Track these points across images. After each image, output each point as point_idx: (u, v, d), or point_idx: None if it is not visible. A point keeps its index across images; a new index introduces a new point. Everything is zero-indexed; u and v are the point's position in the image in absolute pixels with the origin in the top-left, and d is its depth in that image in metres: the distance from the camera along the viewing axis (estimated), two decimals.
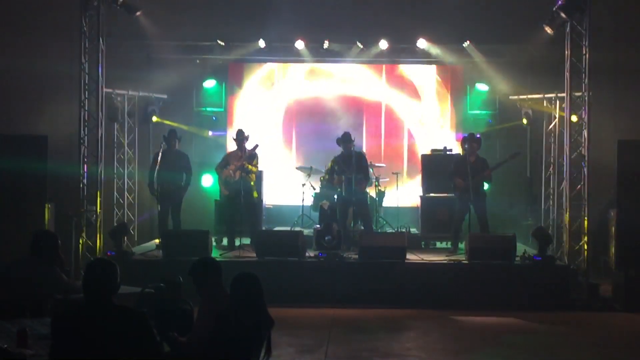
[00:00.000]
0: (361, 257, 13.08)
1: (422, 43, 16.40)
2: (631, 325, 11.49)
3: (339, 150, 14.58)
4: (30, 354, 5.57)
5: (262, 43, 16.51)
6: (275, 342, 6.29)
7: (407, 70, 17.79)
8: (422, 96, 17.84)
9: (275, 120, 17.92)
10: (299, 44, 16.57)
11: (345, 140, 14.36)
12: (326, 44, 16.62)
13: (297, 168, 16.73)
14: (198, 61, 17.28)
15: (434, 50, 16.66)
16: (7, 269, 7.78)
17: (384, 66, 17.77)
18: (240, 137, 14.32)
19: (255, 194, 14.58)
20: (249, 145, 14.36)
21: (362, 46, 16.58)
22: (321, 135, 17.48)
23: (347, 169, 14.14)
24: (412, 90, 17.85)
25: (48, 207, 13.05)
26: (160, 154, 14.10)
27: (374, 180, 15.32)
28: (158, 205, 14.15)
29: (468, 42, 16.24)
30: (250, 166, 14.20)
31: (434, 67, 17.76)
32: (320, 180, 15.72)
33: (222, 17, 16.41)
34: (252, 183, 14.33)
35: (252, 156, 14.26)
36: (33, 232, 7.94)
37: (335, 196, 14.59)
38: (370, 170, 15.01)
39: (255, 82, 18.00)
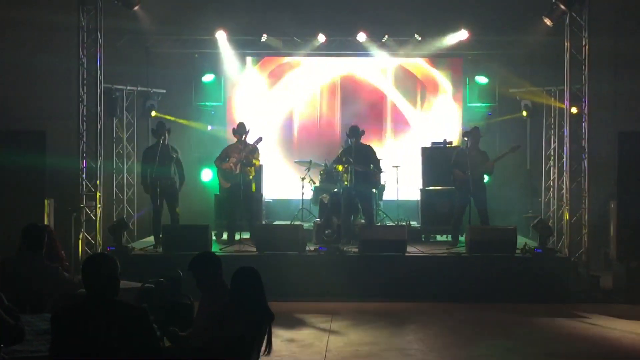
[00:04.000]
0: (361, 251, 13.07)
1: (418, 36, 16.36)
2: (632, 317, 11.46)
3: (336, 143, 14.56)
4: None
5: (263, 37, 16.48)
6: (276, 335, 6.28)
7: (406, 63, 17.78)
8: (421, 89, 17.83)
9: (274, 114, 17.91)
10: (296, 38, 16.57)
11: (353, 133, 14.27)
12: (322, 38, 16.58)
13: (296, 162, 16.71)
14: (196, 55, 17.24)
15: (431, 42, 16.64)
16: (5, 264, 7.76)
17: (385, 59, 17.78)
18: (241, 130, 14.26)
19: (253, 188, 14.55)
20: (249, 139, 14.32)
21: (363, 39, 16.54)
22: (321, 129, 17.58)
23: (353, 162, 14.05)
24: (411, 83, 17.85)
25: (47, 202, 13.03)
26: (150, 148, 14.07)
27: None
28: (157, 202, 13.97)
29: (465, 32, 16.15)
30: (253, 159, 14.15)
31: (432, 59, 17.74)
32: (320, 174, 15.71)
33: (220, 11, 16.35)
34: (250, 177, 14.27)
35: (254, 150, 14.22)
36: (25, 227, 7.92)
37: (339, 189, 14.55)
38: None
39: (255, 75, 17.99)
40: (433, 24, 16.26)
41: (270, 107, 17.91)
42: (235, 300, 5.97)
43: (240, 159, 14.01)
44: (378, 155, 14.58)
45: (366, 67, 17.87)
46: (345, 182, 14.16)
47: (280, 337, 9.39)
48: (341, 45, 17.06)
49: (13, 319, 5.61)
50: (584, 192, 13.52)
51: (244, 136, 14.22)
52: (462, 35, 16.16)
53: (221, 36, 16.45)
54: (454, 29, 16.18)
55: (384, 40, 16.63)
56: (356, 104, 17.75)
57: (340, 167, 14.30)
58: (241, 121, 14.70)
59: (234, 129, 14.47)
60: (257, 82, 17.96)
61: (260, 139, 14.33)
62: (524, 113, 16.72)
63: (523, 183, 17.18)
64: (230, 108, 17.83)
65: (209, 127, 17.64)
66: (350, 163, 13.98)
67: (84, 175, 13.66)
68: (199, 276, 6.39)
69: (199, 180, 16.80)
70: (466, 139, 14.16)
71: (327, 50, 17.20)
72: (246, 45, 17.02)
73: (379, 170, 14.52)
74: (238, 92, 17.89)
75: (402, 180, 16.03)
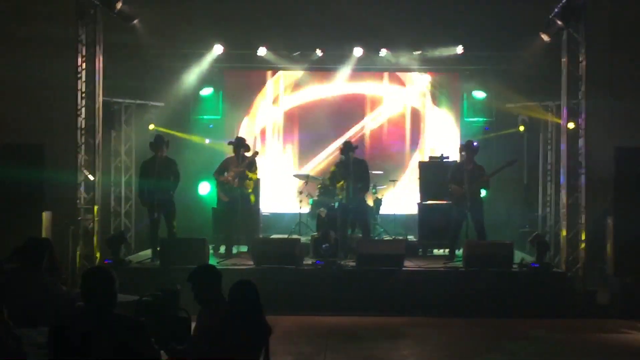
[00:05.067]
0: (359, 265, 13.08)
1: (418, 52, 16.42)
2: (627, 332, 11.49)
3: (336, 158, 14.64)
4: None
5: (261, 50, 16.53)
6: (273, 350, 6.28)
7: (405, 77, 17.82)
8: (419, 103, 17.87)
9: (272, 127, 17.95)
10: (293, 52, 16.62)
11: (346, 148, 14.36)
12: (319, 52, 16.67)
13: (294, 175, 16.73)
14: (194, 69, 17.25)
15: (431, 57, 16.71)
16: (3, 277, 7.75)
17: (384, 74, 17.85)
18: (238, 144, 14.31)
19: (252, 199, 14.60)
20: (248, 153, 14.36)
21: (362, 53, 16.58)
22: (320, 143, 17.65)
23: (347, 176, 14.14)
24: (409, 97, 17.88)
25: (45, 215, 13.02)
26: (148, 162, 14.11)
27: (372, 188, 15.29)
28: (154, 215, 14.02)
29: (461, 47, 16.22)
30: (250, 173, 14.19)
31: (430, 75, 17.79)
32: (318, 188, 15.73)
33: (219, 25, 16.40)
34: (249, 190, 14.33)
35: (251, 163, 14.25)
36: (25, 240, 7.92)
37: (336, 204, 14.59)
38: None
39: (252, 89, 18.03)
40: (430, 39, 16.31)
41: (269, 121, 17.95)
42: (232, 314, 5.98)
43: (238, 172, 14.06)
44: (371, 170, 14.73)
45: (363, 81, 17.90)
46: (340, 196, 14.24)
47: (278, 351, 9.38)
48: (338, 59, 17.09)
49: (15, 342, 5.61)
50: (581, 207, 13.53)
51: (241, 150, 14.27)
52: (457, 50, 16.23)
53: (218, 50, 16.51)
54: (451, 43, 16.25)
55: (381, 55, 16.69)
56: (354, 119, 17.82)
57: (339, 185, 14.36)
58: (239, 135, 14.76)
59: (230, 142, 14.52)
60: (254, 95, 17.99)
61: (256, 153, 14.40)
62: (521, 128, 16.77)
63: (520, 198, 17.22)
64: (228, 121, 17.85)
65: (207, 141, 17.65)
66: (344, 178, 14.07)
67: (81, 188, 13.63)
68: (198, 289, 6.38)
69: (196, 193, 16.82)
70: (463, 153, 14.21)
71: (324, 64, 17.25)
72: (244, 59, 17.09)
73: (366, 187, 14.57)
74: (235, 106, 17.92)
75: (399, 195, 16.05)
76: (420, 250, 15.31)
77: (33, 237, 8.26)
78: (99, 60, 13.67)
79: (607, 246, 13.60)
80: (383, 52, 16.61)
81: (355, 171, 14.16)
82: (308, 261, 13.53)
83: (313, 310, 12.29)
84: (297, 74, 17.91)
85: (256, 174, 14.53)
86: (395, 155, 17.81)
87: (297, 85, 18.03)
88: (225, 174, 14.29)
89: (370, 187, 15.12)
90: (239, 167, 14.10)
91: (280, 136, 18.05)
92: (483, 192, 14.25)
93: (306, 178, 16.10)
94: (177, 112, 17.31)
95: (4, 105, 15.43)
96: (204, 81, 17.46)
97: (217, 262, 13.45)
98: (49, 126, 14.80)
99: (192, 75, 17.15)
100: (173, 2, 16.19)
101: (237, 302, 6.02)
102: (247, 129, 17.73)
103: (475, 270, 12.88)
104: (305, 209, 15.92)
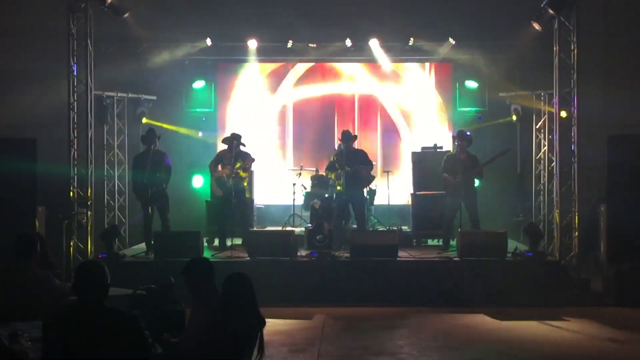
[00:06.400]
0: (353, 256, 13.09)
1: (411, 41, 16.37)
2: (622, 320, 11.49)
3: (330, 149, 14.62)
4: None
5: (252, 43, 16.46)
6: (268, 341, 6.30)
7: (398, 68, 17.78)
8: (412, 94, 17.86)
9: (266, 119, 17.92)
10: (290, 43, 16.52)
11: (346, 137, 14.37)
12: (290, 43, 16.57)
13: (289, 169, 16.68)
14: (187, 62, 17.21)
15: (424, 47, 16.68)
16: None
17: (376, 64, 17.74)
18: (232, 140, 14.24)
19: (247, 194, 14.58)
20: (243, 148, 14.31)
21: (351, 44, 16.51)
22: (313, 134, 17.64)
23: (346, 165, 14.12)
24: (402, 87, 17.86)
25: (39, 210, 12.99)
26: (141, 155, 14.08)
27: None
28: (148, 208, 14.02)
29: (451, 39, 16.18)
30: (242, 172, 14.12)
31: (423, 64, 17.79)
32: (311, 179, 15.75)
33: (211, 18, 16.36)
34: (245, 184, 14.31)
35: (244, 165, 14.17)
36: (16, 234, 7.89)
37: (330, 195, 14.59)
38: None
39: (245, 82, 17.99)
40: (422, 29, 16.28)
41: (262, 113, 17.92)
42: (226, 306, 5.98)
43: (231, 172, 13.98)
44: (370, 159, 14.69)
45: (356, 72, 17.89)
46: (339, 187, 14.23)
47: (272, 342, 9.39)
48: (330, 50, 16.99)
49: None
50: (574, 195, 13.56)
51: (234, 145, 14.18)
52: (450, 41, 16.18)
53: (209, 43, 16.42)
54: (444, 33, 16.21)
55: (370, 45, 16.58)
56: (347, 109, 17.81)
57: (332, 175, 14.37)
58: (234, 132, 14.72)
59: (225, 139, 14.45)
60: (247, 88, 17.96)
61: (252, 160, 14.40)
62: (514, 117, 16.75)
63: (513, 187, 17.22)
64: (221, 114, 17.83)
65: (200, 134, 17.63)
66: (342, 167, 14.06)
67: (75, 183, 13.64)
68: (192, 282, 6.37)
69: (190, 186, 16.81)
70: (456, 143, 14.22)
71: (316, 55, 17.18)
72: (233, 51, 17.04)
73: (371, 167, 14.50)
74: (228, 99, 17.89)
75: (393, 185, 16.05)
76: (415, 240, 15.34)
77: (23, 231, 8.25)
78: (91, 54, 13.65)
79: (600, 234, 13.63)
80: (373, 42, 16.50)
81: (351, 160, 14.14)
82: (302, 253, 13.54)
83: (307, 302, 12.29)
84: (292, 64, 17.86)
85: (249, 170, 14.54)
86: (387, 146, 17.79)
87: (288, 79, 17.99)
88: (219, 167, 14.26)
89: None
90: (233, 165, 14.00)
91: (275, 128, 17.99)
92: (477, 182, 14.26)
93: (299, 169, 16.09)
94: (169, 105, 17.30)
95: None
96: (197, 74, 17.44)
97: (212, 255, 13.47)
98: (41, 120, 14.77)
99: (184, 68, 17.13)
100: None
101: (231, 294, 6.02)
102: (239, 122, 17.67)
103: (469, 260, 12.91)
104: (299, 200, 15.91)
